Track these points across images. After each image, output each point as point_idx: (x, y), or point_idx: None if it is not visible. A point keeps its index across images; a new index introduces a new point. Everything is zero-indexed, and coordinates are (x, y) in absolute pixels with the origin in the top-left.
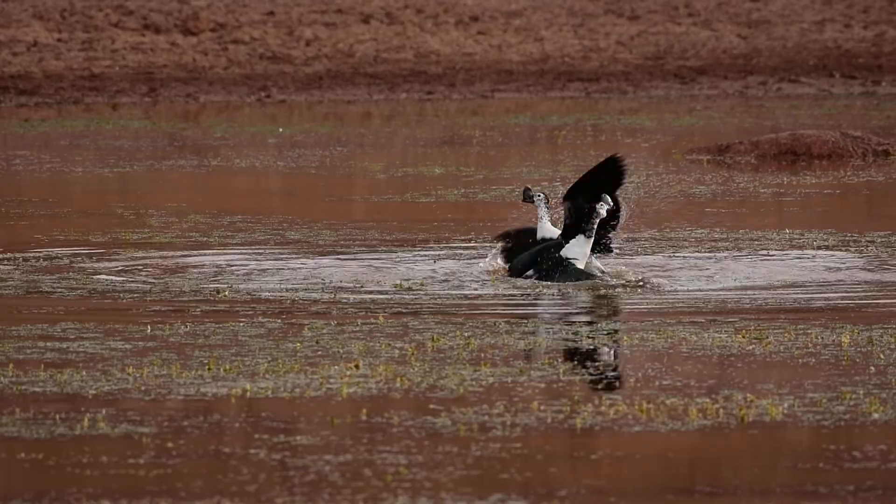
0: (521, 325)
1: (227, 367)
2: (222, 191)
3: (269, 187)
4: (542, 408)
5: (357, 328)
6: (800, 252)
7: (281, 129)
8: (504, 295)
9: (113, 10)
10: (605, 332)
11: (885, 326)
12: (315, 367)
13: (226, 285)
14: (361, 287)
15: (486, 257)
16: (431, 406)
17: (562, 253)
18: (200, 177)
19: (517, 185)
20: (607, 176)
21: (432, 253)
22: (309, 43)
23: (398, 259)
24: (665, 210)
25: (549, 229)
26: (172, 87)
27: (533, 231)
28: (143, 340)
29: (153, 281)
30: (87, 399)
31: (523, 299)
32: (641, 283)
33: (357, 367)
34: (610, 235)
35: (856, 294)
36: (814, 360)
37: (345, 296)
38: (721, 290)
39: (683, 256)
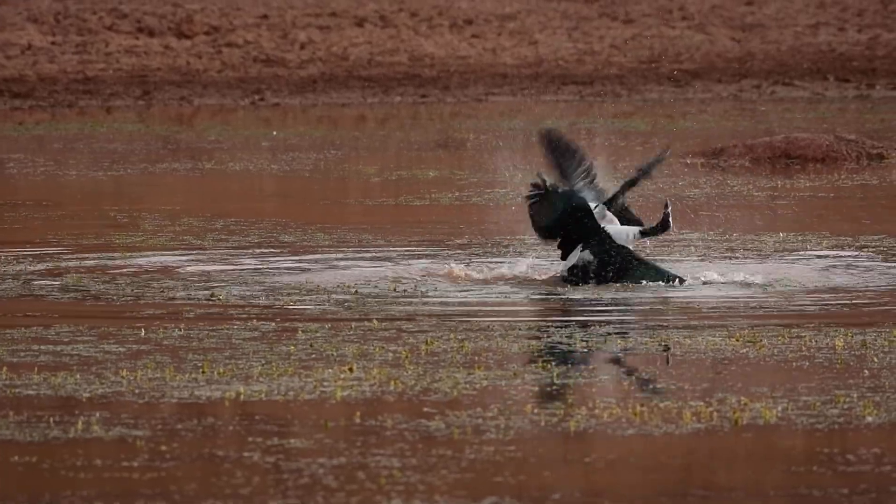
0: (516, 328)
1: (221, 370)
2: (216, 194)
3: (262, 191)
4: (535, 411)
5: (351, 331)
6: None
7: (275, 133)
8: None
9: (107, 14)
10: (598, 336)
11: (879, 329)
12: (309, 370)
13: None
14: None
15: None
16: (425, 409)
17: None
18: (194, 180)
19: (510, 188)
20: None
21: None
22: (303, 46)
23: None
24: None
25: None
26: (166, 91)
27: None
28: (137, 343)
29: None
30: (81, 402)
31: (517, 303)
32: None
33: (351, 370)
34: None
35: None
36: (807, 363)
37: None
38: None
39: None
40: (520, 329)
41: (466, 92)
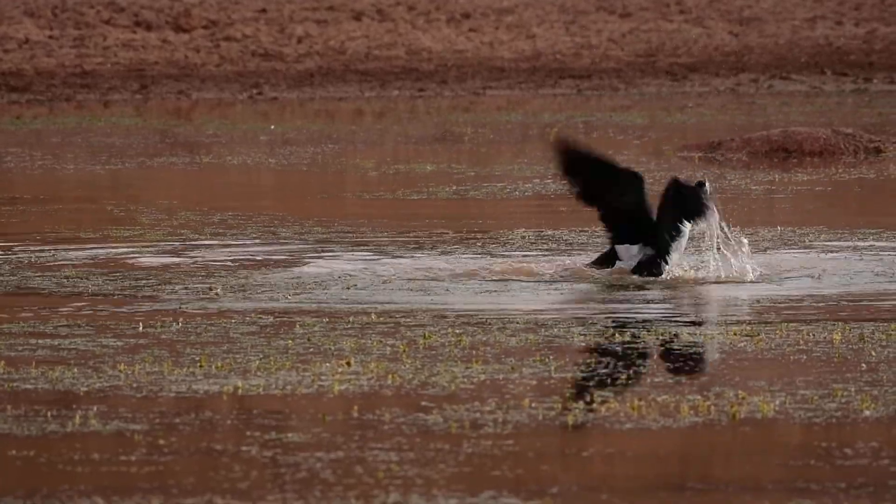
0: (513, 323)
1: (219, 364)
2: (214, 188)
3: (260, 184)
4: (533, 405)
5: (349, 325)
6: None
7: (273, 127)
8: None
9: (104, 7)
10: (596, 331)
11: (877, 323)
12: (307, 364)
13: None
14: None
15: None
16: (423, 403)
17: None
18: (192, 174)
19: (509, 182)
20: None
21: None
22: (300, 40)
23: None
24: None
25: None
26: (164, 85)
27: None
28: (135, 337)
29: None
30: (79, 396)
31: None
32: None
33: (349, 364)
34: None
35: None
36: (805, 357)
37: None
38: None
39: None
40: (517, 323)
41: (464, 86)
